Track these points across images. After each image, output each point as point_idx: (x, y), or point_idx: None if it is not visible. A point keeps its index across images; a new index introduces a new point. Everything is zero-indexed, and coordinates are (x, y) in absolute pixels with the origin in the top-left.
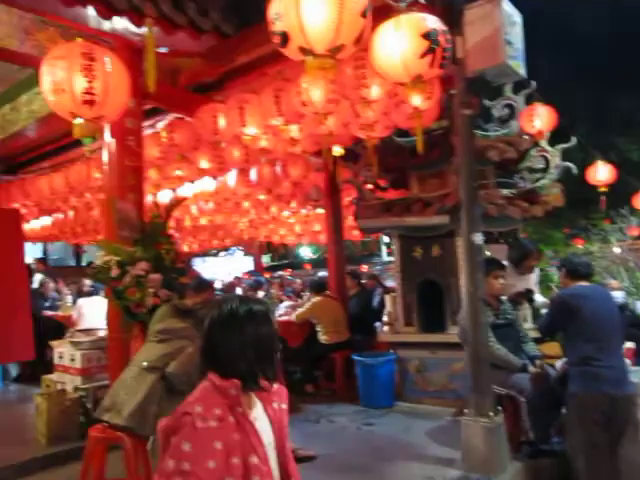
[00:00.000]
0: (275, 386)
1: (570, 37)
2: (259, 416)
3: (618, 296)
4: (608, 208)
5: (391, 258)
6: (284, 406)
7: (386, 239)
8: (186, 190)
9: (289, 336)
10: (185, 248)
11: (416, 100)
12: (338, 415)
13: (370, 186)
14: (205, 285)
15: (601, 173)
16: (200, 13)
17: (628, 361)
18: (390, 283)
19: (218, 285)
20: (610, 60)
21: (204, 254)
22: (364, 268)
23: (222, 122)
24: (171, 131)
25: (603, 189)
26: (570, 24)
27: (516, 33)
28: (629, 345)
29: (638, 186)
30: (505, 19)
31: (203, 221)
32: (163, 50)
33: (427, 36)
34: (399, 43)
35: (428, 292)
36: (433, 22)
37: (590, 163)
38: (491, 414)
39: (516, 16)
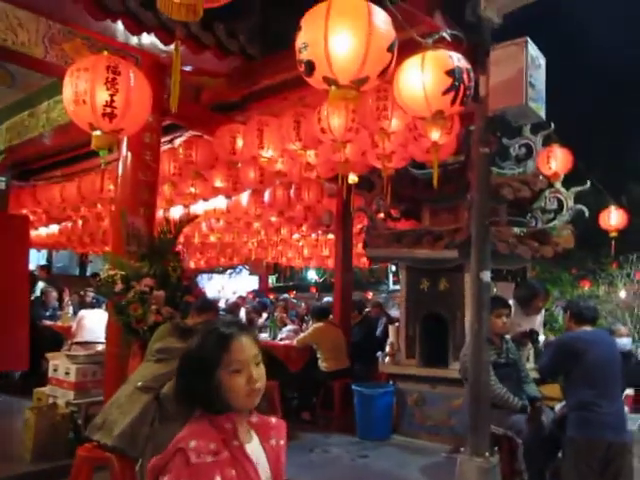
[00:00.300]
0: (273, 420)
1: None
2: (255, 450)
3: (626, 343)
4: (617, 253)
5: (397, 287)
6: (282, 442)
7: (393, 268)
8: (198, 207)
9: (289, 361)
10: (192, 264)
11: (435, 135)
12: (333, 445)
13: (382, 215)
14: (208, 306)
15: (613, 218)
16: (228, 34)
17: (626, 408)
18: (394, 311)
19: (222, 305)
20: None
21: (210, 271)
22: (369, 295)
23: (240, 143)
24: (188, 148)
25: (614, 234)
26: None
27: (539, 76)
28: (628, 392)
29: None
30: (529, 62)
31: (212, 238)
32: (188, 68)
33: (451, 73)
34: (423, 78)
35: (432, 325)
36: (458, 60)
37: (603, 207)
38: (487, 454)
39: (541, 59)
